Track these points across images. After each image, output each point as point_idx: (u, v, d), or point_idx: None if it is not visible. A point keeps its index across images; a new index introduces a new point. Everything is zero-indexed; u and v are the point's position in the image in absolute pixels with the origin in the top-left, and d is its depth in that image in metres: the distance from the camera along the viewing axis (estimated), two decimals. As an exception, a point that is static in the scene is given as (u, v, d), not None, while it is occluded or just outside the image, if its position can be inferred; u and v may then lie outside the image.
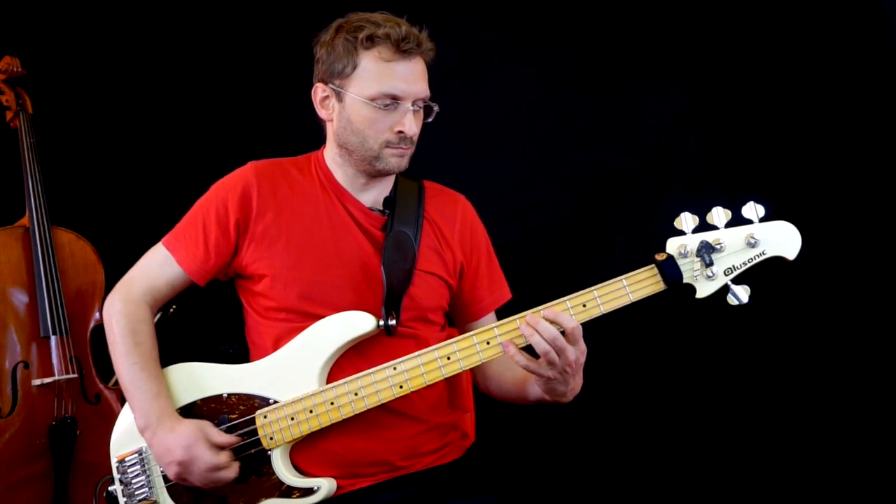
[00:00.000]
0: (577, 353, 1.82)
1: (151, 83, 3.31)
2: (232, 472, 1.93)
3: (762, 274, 1.83)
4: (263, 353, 2.03)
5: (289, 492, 1.94)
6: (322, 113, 2.05)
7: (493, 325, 1.90)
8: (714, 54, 3.08)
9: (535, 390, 1.96)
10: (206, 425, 1.95)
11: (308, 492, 1.94)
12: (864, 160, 2.96)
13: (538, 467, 3.20)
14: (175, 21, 3.30)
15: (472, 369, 2.11)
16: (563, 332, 1.81)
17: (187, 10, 3.29)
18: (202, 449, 1.91)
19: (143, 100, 3.31)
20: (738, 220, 1.82)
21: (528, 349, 1.91)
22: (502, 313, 2.11)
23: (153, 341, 2.05)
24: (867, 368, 2.98)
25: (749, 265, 1.82)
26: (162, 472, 1.98)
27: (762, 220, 1.81)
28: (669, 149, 3.13)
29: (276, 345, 2.01)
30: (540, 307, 1.87)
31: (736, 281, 1.83)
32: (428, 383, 1.92)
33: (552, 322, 1.81)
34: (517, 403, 2.10)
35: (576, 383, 1.88)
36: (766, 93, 3.05)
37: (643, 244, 1.89)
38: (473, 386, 2.21)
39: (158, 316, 2.12)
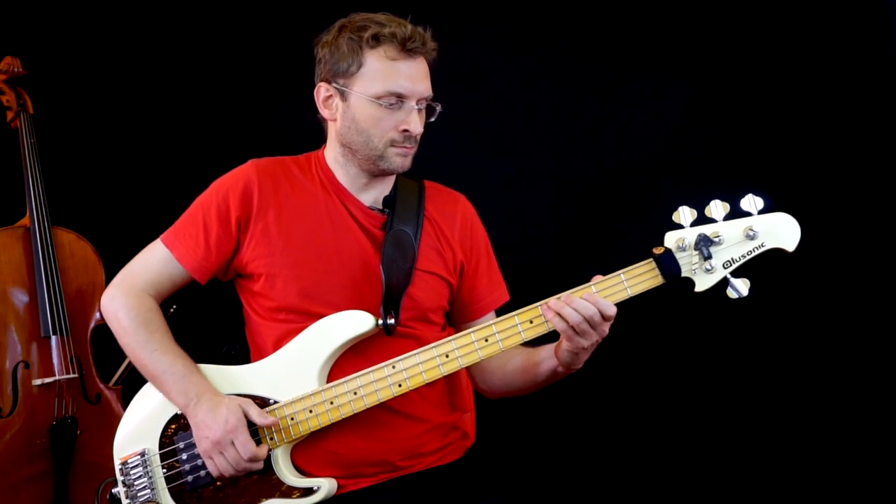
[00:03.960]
0: (609, 325, 1.85)
1: (152, 83, 3.32)
2: (260, 465, 1.93)
3: (762, 266, 1.83)
4: (264, 354, 2.02)
5: (289, 492, 1.94)
6: (325, 112, 2.05)
7: (492, 322, 1.90)
8: (714, 53, 3.09)
9: (548, 366, 1.96)
10: (248, 405, 1.93)
11: (308, 492, 1.93)
12: (863, 155, 2.97)
13: (538, 468, 3.19)
14: (175, 21, 3.32)
15: (469, 369, 2.10)
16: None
17: (187, 10, 3.30)
18: (243, 436, 1.90)
19: (143, 100, 3.32)
20: (736, 213, 1.81)
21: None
22: (499, 315, 2.11)
23: (167, 327, 2.04)
24: (867, 361, 2.98)
25: (748, 258, 1.82)
26: (165, 472, 1.98)
27: (761, 212, 1.81)
28: (669, 148, 3.13)
29: (277, 345, 2.00)
30: (537, 304, 1.87)
31: (735, 274, 1.82)
32: (427, 381, 1.92)
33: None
34: (519, 395, 2.10)
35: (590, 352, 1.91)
36: (766, 92, 3.05)
37: (644, 242, 1.88)
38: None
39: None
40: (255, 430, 1.94)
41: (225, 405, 1.92)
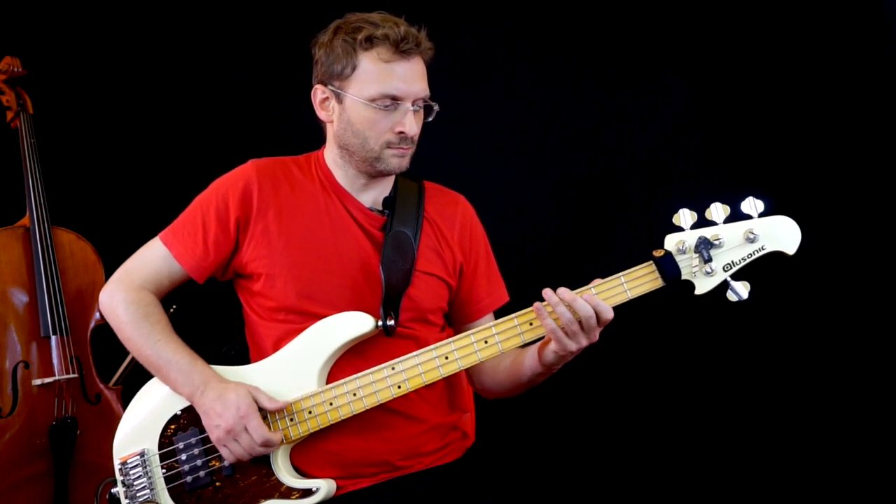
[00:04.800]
0: (599, 330, 1.84)
1: (152, 83, 3.32)
2: (271, 449, 1.93)
3: (762, 269, 1.83)
4: (263, 355, 2.02)
5: (288, 493, 1.94)
6: (322, 114, 2.05)
7: (491, 324, 1.90)
8: (714, 54, 3.09)
9: (531, 367, 1.95)
10: (257, 391, 1.93)
11: (307, 493, 1.93)
12: (863, 157, 2.97)
13: (538, 468, 3.19)
14: (175, 21, 3.32)
15: (466, 370, 2.10)
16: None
17: (187, 10, 3.29)
18: (256, 421, 1.89)
19: (143, 99, 3.32)
20: (736, 216, 1.81)
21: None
22: (499, 315, 2.10)
23: (167, 319, 2.04)
24: (868, 364, 2.98)
25: (748, 261, 1.82)
26: (164, 472, 1.98)
27: (761, 215, 1.81)
28: (669, 148, 3.13)
29: (276, 346, 2.00)
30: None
31: (735, 277, 1.82)
32: (426, 383, 1.92)
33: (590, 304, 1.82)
34: (507, 396, 2.10)
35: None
36: (766, 92, 3.05)
37: (644, 243, 1.88)
38: (472, 386, 2.21)
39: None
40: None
41: (233, 390, 1.92)
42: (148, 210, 2.61)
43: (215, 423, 1.91)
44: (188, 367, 1.97)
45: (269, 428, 1.93)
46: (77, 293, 2.90)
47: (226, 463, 1.96)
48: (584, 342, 1.84)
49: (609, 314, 1.82)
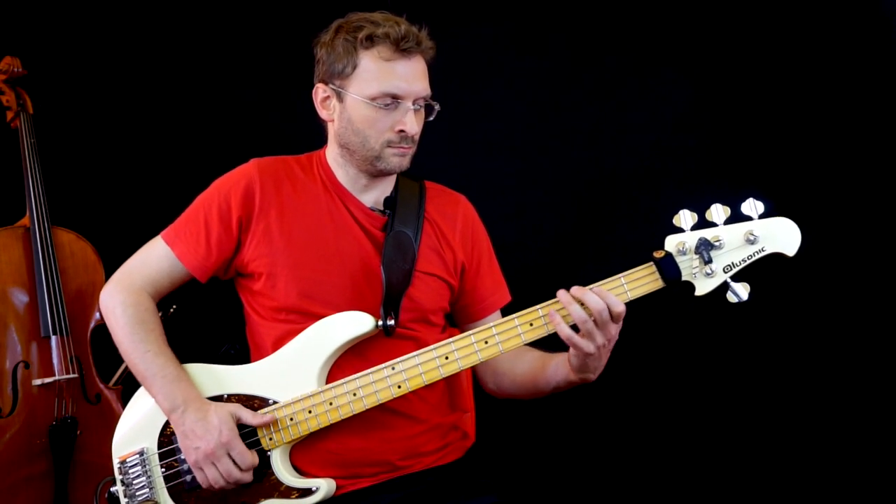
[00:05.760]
0: (617, 329, 1.83)
1: (152, 83, 3.33)
2: (250, 476, 1.93)
3: (762, 271, 1.83)
4: (264, 354, 2.02)
5: (288, 492, 1.94)
6: (323, 113, 2.05)
7: (492, 324, 1.90)
8: (714, 54, 3.09)
9: (560, 373, 1.95)
10: (239, 409, 1.93)
11: (307, 492, 1.94)
12: (864, 158, 2.97)
13: (538, 468, 3.20)
14: (175, 20, 3.32)
15: (479, 369, 2.11)
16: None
17: (187, 10, 3.29)
18: (239, 447, 1.90)
19: (143, 99, 3.32)
20: (737, 217, 1.81)
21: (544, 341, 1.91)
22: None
23: (161, 329, 2.04)
24: (868, 366, 2.98)
25: (748, 262, 1.81)
26: (163, 471, 1.98)
27: (762, 216, 1.81)
28: (669, 148, 3.13)
29: (276, 345, 2.00)
30: (537, 306, 1.87)
31: (735, 278, 1.82)
32: (426, 383, 1.92)
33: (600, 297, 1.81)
34: (528, 398, 2.10)
35: (605, 359, 1.89)
36: (766, 92, 3.05)
37: (644, 244, 1.88)
38: (474, 386, 2.20)
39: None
40: (251, 431, 1.95)
41: (214, 413, 1.92)
42: (148, 210, 2.61)
43: (195, 446, 1.91)
44: (172, 383, 1.96)
45: (265, 439, 1.94)
46: (77, 293, 2.90)
47: (188, 478, 1.96)
48: (600, 339, 1.81)
49: (619, 307, 1.81)
